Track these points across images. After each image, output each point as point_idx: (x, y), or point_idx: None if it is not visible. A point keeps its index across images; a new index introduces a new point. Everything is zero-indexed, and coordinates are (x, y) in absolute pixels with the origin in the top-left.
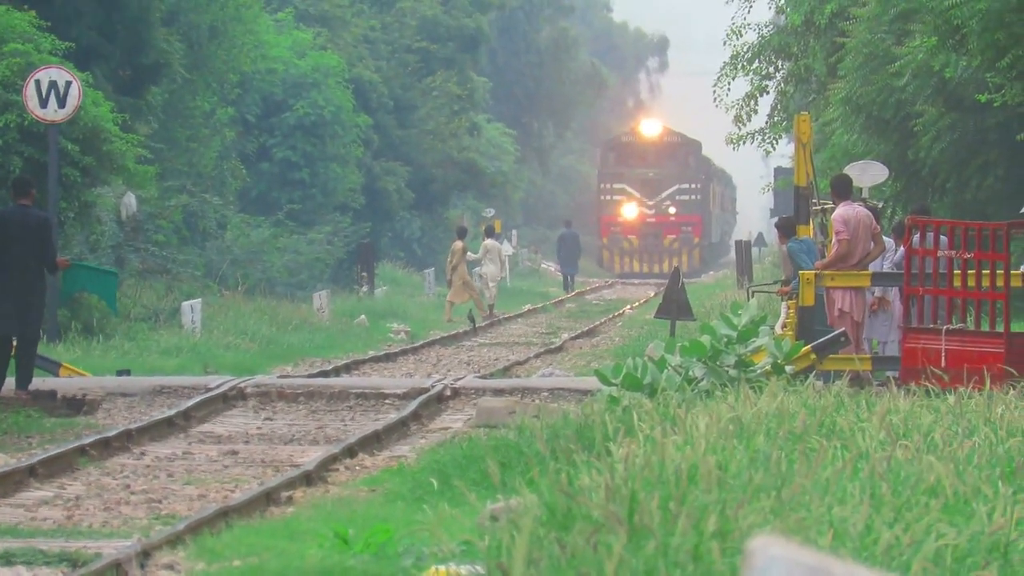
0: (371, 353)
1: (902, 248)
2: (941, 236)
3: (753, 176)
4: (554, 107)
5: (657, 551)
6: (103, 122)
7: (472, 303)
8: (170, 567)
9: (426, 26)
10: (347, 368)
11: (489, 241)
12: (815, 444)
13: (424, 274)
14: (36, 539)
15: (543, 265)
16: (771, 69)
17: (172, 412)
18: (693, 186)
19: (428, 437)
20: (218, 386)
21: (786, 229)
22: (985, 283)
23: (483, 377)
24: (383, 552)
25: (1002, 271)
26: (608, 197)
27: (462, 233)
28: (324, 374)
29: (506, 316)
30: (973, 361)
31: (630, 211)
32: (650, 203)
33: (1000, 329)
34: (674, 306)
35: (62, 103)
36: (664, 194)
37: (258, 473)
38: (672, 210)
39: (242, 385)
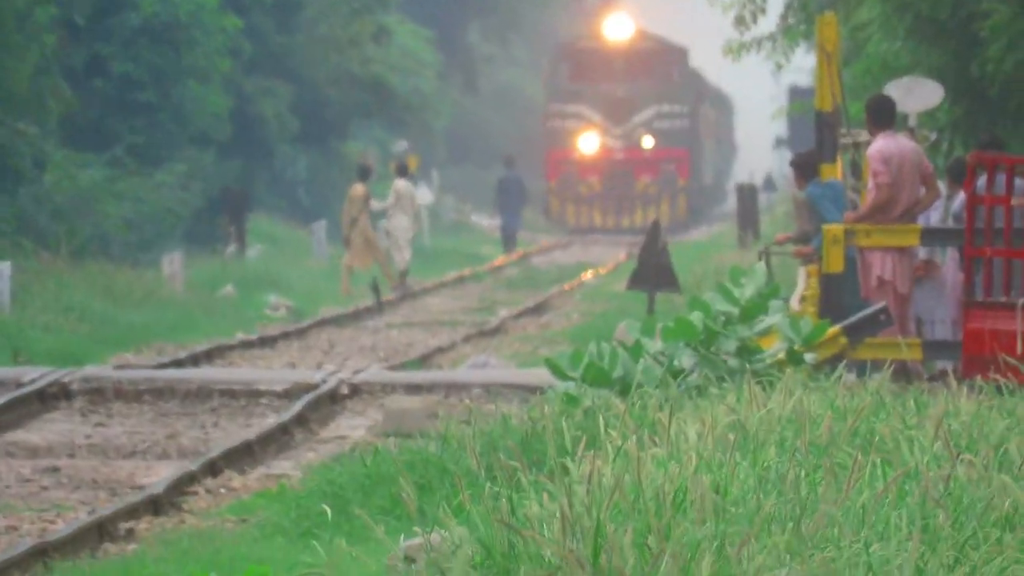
0: (241, 336)
1: (961, 194)
2: (1016, 178)
3: (760, 98)
4: (491, 2)
5: None
6: None
7: (377, 268)
8: None
9: None
10: (208, 356)
11: (400, 183)
12: (846, 459)
13: (312, 229)
14: None
15: (474, 218)
16: None
17: None
18: (677, 108)
19: (318, 449)
20: (33, 380)
21: (805, 169)
22: None
23: (392, 368)
24: None
25: None
26: (559, 123)
27: (364, 174)
28: (178, 364)
29: (424, 286)
30: None
31: (590, 143)
32: (617, 131)
33: None
34: (653, 273)
35: None
36: (637, 119)
37: (87, 497)
38: (648, 141)
39: (66, 379)
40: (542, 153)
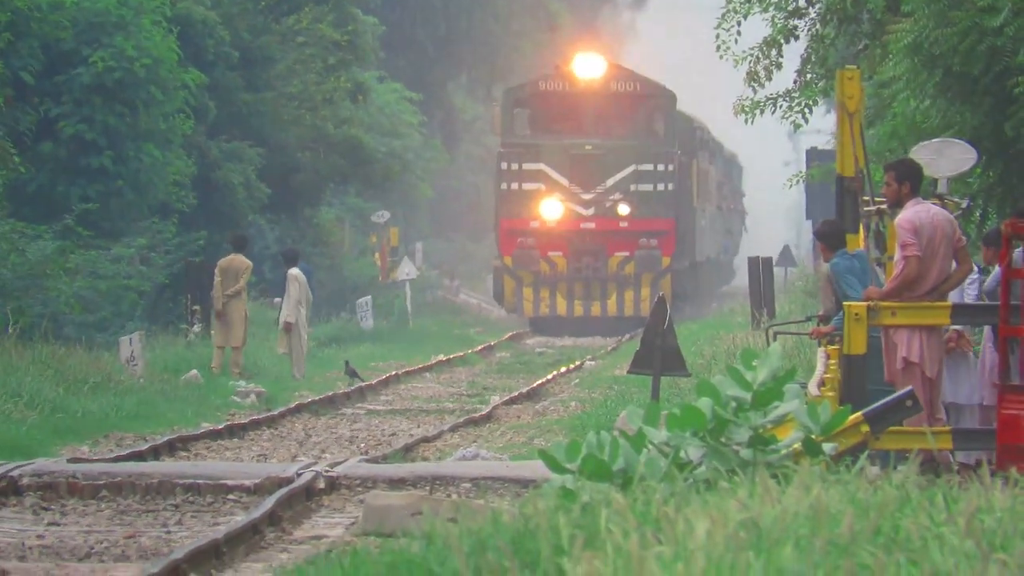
0: (206, 426)
1: (996, 268)
2: None
3: (774, 161)
4: (477, 59)
5: None
6: None
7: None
8: None
9: None
10: (171, 448)
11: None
12: (869, 559)
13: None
14: None
15: (463, 296)
16: (802, 2)
17: None
18: (661, 167)
19: (292, 550)
20: None
21: (831, 239)
22: None
23: (373, 461)
24: None
25: None
26: (514, 186)
27: (241, 244)
28: (137, 456)
29: (408, 370)
30: None
31: (552, 210)
32: (586, 197)
33: None
34: (657, 355)
35: None
36: (611, 181)
37: None
38: (624, 209)
39: (15, 474)
40: (492, 220)
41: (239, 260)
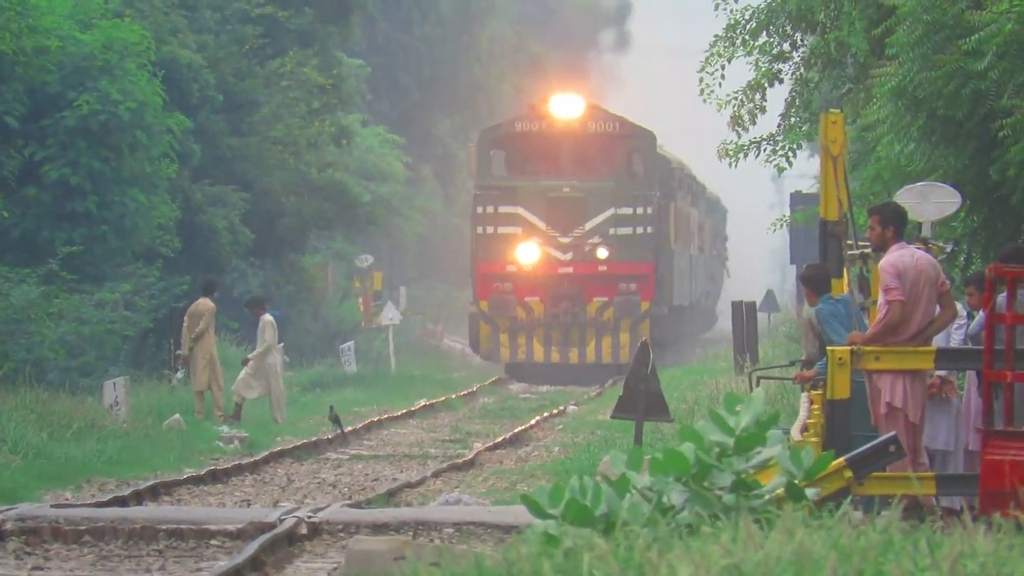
0: (189, 471)
1: (981, 312)
2: None
3: (759, 204)
4: (461, 101)
5: None
6: None
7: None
8: None
9: None
10: (154, 493)
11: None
12: None
13: None
14: None
15: (447, 341)
16: (786, 46)
17: None
18: (640, 210)
19: None
20: None
21: (817, 283)
22: None
23: (356, 506)
24: None
25: None
26: (490, 229)
27: (211, 288)
28: (120, 502)
29: (391, 415)
30: None
31: (529, 254)
32: (564, 240)
33: None
34: (640, 400)
35: None
36: (589, 224)
37: None
38: (602, 253)
39: None
40: (468, 263)
41: (204, 304)
